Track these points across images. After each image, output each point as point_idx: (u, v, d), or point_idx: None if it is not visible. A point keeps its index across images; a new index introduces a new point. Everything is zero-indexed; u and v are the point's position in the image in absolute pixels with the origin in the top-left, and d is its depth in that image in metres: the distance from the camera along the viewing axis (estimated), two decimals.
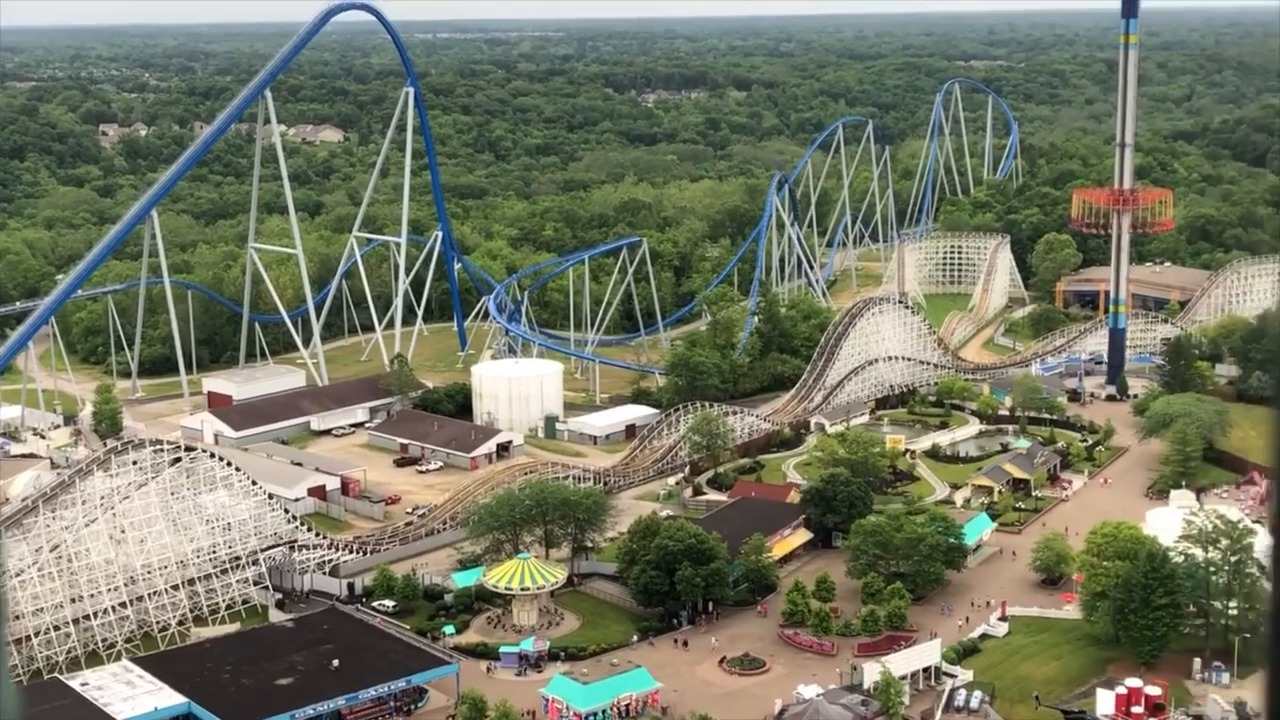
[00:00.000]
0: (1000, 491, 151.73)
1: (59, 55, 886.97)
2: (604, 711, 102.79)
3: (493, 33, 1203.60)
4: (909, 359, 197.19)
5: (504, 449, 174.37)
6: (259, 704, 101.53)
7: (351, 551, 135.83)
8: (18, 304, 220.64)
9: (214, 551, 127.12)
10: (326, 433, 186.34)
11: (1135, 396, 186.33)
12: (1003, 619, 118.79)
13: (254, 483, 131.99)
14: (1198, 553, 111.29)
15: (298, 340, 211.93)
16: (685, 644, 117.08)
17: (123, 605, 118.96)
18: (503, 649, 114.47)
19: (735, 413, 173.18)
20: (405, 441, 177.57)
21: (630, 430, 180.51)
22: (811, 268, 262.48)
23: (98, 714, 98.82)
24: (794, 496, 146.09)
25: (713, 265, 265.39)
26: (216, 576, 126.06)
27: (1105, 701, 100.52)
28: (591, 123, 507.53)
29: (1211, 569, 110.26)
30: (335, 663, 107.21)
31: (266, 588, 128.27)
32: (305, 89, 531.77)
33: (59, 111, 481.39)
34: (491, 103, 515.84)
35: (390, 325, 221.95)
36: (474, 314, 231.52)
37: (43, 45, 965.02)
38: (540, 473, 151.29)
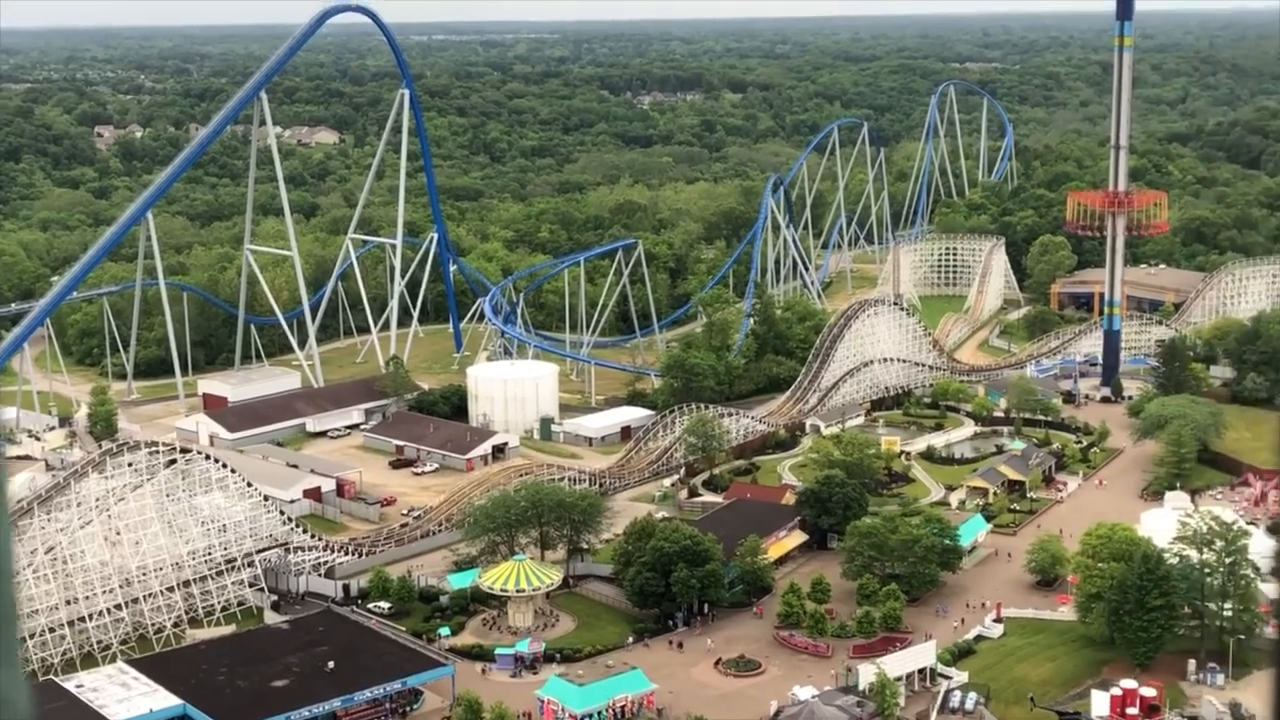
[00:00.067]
0: (995, 493, 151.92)
1: (54, 57, 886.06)
2: (599, 713, 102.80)
3: (488, 35, 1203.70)
4: (904, 361, 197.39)
5: (499, 451, 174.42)
6: (254, 706, 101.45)
7: (347, 553, 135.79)
8: (13, 306, 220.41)
9: (209, 553, 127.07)
10: (322, 434, 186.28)
11: (1130, 398, 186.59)
12: (998, 620, 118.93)
13: (249, 484, 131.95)
14: (1192, 554, 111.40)
15: (293, 342, 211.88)
16: (680, 645, 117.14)
17: (118, 607, 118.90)
18: (498, 650, 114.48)
19: (730, 414, 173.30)
20: (401, 443, 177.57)
21: (626, 432, 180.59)
22: (807, 270, 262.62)
23: (93, 716, 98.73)
24: (789, 498, 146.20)
25: (708, 267, 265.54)
26: (212, 578, 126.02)
27: (1100, 703, 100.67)
28: (587, 124, 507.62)
29: (1206, 570, 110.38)
30: (330, 664, 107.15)
31: (262, 589, 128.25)
32: (301, 91, 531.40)
33: (54, 113, 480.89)
34: (487, 104, 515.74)
35: (386, 327, 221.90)
36: (469, 316, 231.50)
37: (38, 47, 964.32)
38: (536, 474, 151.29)
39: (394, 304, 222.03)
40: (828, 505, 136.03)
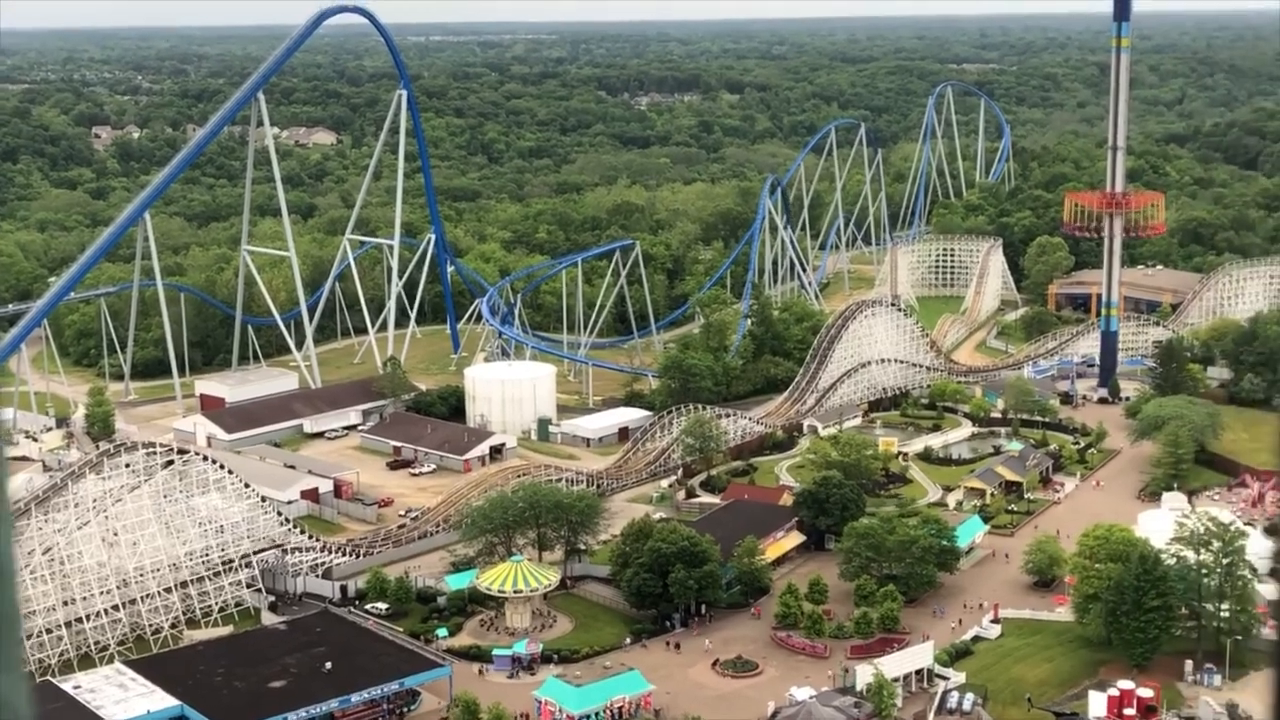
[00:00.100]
0: (993, 494, 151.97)
1: (51, 58, 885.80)
2: (597, 714, 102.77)
3: (486, 35, 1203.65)
4: (901, 361, 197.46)
5: (497, 451, 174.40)
6: (251, 707, 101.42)
7: (344, 554, 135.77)
8: (10, 306, 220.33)
9: (206, 554, 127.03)
10: (319, 435, 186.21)
11: (1127, 399, 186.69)
12: (995, 621, 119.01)
13: (246, 485, 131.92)
14: (1190, 555, 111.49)
15: (290, 343, 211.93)
16: (678, 646, 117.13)
17: (115, 608, 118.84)
18: (496, 651, 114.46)
19: (728, 415, 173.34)
20: (398, 444, 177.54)
21: (623, 433, 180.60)
22: (804, 270, 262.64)
23: (90, 717, 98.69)
24: (787, 499, 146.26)
25: (705, 268, 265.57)
26: (209, 579, 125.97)
27: (1097, 704, 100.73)
28: (584, 125, 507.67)
29: (1203, 571, 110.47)
30: (328, 665, 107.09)
31: (259, 590, 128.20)
32: (298, 91, 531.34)
33: (51, 114, 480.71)
34: (484, 105, 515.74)
35: (383, 328, 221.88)
36: (467, 316, 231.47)
37: (35, 48, 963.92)
38: (533, 475, 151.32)
39: (391, 305, 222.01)
40: (825, 506, 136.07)
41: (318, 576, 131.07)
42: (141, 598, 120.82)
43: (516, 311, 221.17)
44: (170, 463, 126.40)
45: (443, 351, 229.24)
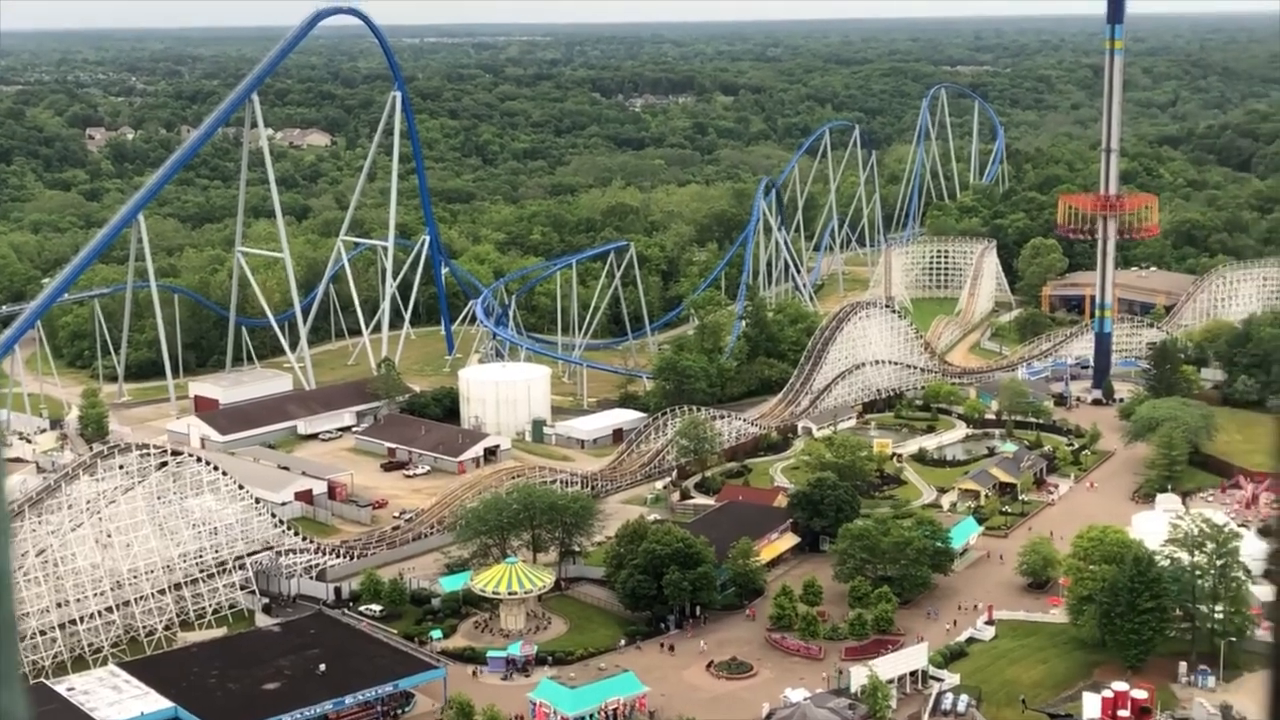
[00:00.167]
0: (987, 495, 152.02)
1: (45, 59, 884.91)
2: (591, 716, 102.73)
3: (480, 37, 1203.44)
4: (896, 363, 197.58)
5: (491, 453, 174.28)
6: (245, 709, 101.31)
7: (338, 556, 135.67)
8: (3, 308, 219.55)
9: (200, 556, 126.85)
10: (313, 437, 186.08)
11: (1121, 400, 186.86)
12: (989, 623, 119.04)
13: (240, 487, 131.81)
14: (1184, 556, 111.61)
15: (285, 344, 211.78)
16: (672, 648, 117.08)
17: (109, 610, 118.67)
18: (490, 653, 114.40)
19: (723, 417, 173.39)
20: (392, 445, 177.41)
21: (618, 434, 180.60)
22: (799, 272, 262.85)
23: (84, 719, 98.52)
24: (781, 500, 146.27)
25: (700, 269, 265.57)
26: (203, 581, 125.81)
27: (1092, 705, 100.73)
28: (579, 127, 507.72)
29: (1197, 573, 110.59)
30: (322, 667, 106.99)
31: (253, 592, 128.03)
32: (292, 93, 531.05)
33: (45, 115, 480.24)
34: (479, 107, 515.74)
35: (377, 329, 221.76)
36: (461, 318, 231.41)
37: (29, 49, 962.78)
38: (528, 477, 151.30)
39: (385, 306, 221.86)
40: (820, 507, 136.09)
41: (312, 578, 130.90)
42: (135, 599, 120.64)
43: (511, 313, 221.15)
44: (164, 464, 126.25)
45: (437, 353, 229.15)
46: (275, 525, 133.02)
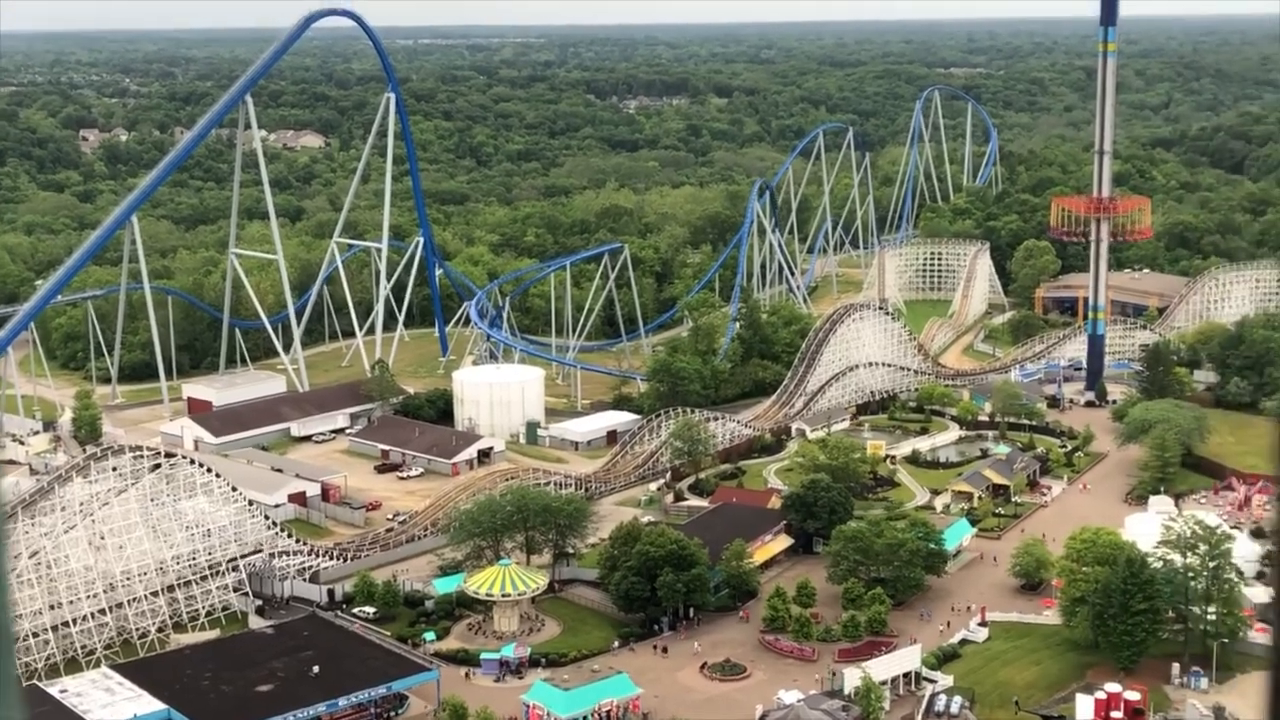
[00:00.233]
0: (980, 497, 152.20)
1: (39, 60, 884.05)
2: (585, 717, 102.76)
3: (474, 39, 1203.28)
4: (889, 365, 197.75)
5: (485, 455, 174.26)
6: (239, 711, 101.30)
7: (332, 558, 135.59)
8: None
9: (194, 558, 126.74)
10: (307, 439, 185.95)
11: (1114, 402, 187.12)
12: (982, 624, 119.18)
13: (234, 489, 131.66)
14: (1176, 558, 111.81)
15: (278, 346, 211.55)
16: (665, 650, 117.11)
17: (102, 612, 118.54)
18: (483, 655, 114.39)
19: (716, 418, 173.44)
20: (386, 447, 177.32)
21: (612, 436, 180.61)
22: (792, 274, 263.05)
23: None
24: (775, 502, 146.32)
25: (694, 271, 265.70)
26: (196, 583, 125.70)
27: (1085, 707, 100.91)
28: (573, 129, 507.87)
29: (1190, 574, 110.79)
30: (315, 669, 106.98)
31: (246, 594, 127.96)
32: (286, 94, 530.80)
33: (39, 117, 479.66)
34: (473, 108, 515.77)
35: (371, 331, 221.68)
36: (455, 320, 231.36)
37: (22, 50, 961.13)
38: (521, 479, 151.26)
39: (379, 308, 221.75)
40: (813, 509, 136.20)
41: (305, 580, 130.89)
42: (128, 601, 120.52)
43: (505, 315, 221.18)
44: (157, 466, 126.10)
45: (431, 355, 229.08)
46: (268, 527, 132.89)
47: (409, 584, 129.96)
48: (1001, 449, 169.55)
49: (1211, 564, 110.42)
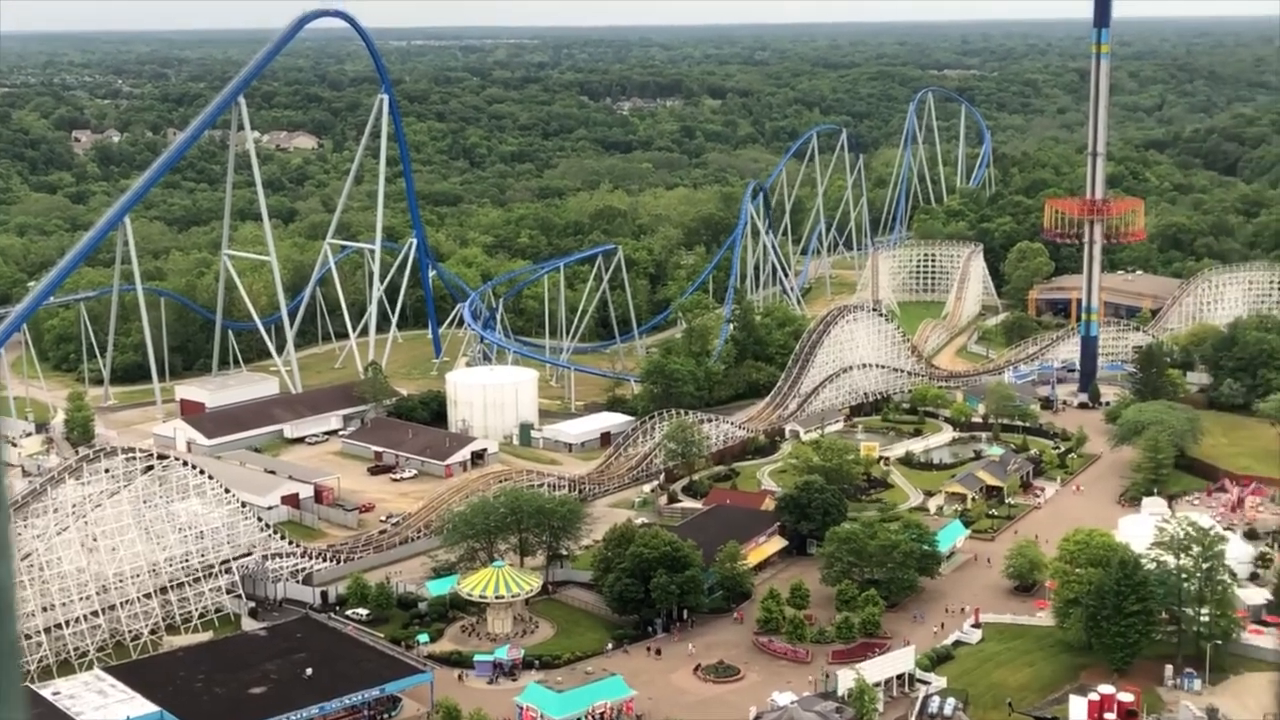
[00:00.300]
0: (974, 498, 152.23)
1: (31, 61, 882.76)
2: (579, 719, 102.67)
3: (467, 40, 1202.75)
4: (883, 366, 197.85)
5: (479, 456, 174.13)
6: (232, 713, 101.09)
7: (325, 560, 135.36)
8: None
9: (186, 560, 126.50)
10: (300, 440, 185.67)
11: (1107, 404, 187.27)
12: (976, 626, 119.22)
13: (227, 491, 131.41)
14: (1170, 560, 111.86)
15: (271, 348, 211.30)
16: (659, 652, 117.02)
17: (95, 614, 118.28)
18: (477, 657, 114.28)
19: (710, 420, 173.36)
20: (379, 449, 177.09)
21: (605, 438, 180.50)
22: (786, 275, 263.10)
23: None
24: (769, 504, 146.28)
25: (688, 273, 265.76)
26: (189, 585, 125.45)
27: (1078, 708, 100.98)
28: (567, 130, 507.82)
29: (1183, 576, 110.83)
30: (308, 671, 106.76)
31: (239, 596, 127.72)
32: (279, 96, 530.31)
33: (31, 118, 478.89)
34: (466, 110, 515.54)
35: (364, 332, 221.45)
36: (449, 321, 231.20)
37: (14, 51, 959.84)
38: (515, 480, 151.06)
39: (373, 309, 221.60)
40: (807, 511, 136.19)
41: (298, 582, 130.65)
42: (121, 603, 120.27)
43: (498, 316, 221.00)
44: (150, 468, 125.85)
45: (424, 356, 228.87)
46: (261, 529, 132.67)
47: (402, 586, 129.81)
48: (995, 450, 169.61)
49: (1205, 565, 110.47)
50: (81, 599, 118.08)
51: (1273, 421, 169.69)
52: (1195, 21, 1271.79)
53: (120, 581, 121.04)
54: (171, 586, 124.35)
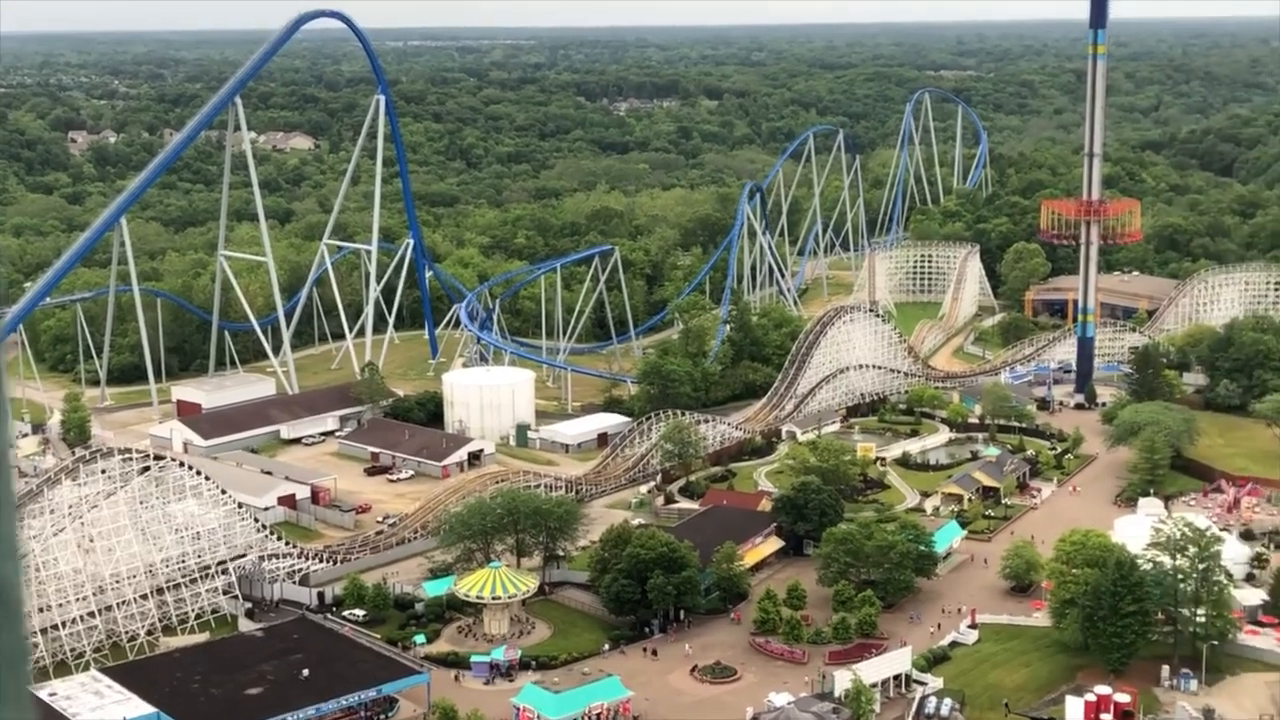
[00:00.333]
0: (970, 499, 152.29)
1: (27, 62, 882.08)
2: None
3: (464, 40, 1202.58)
4: (880, 367, 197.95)
5: (475, 457, 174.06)
6: (228, 714, 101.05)
7: (322, 560, 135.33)
8: None
9: (183, 561, 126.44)
10: (296, 441, 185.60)
11: (1103, 405, 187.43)
12: (973, 626, 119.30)
13: (223, 491, 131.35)
14: (1166, 560, 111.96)
15: (268, 348, 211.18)
16: (655, 653, 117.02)
17: (91, 615, 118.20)
18: (474, 658, 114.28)
19: (707, 421, 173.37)
20: (376, 450, 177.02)
21: (602, 438, 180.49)
22: (783, 276, 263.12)
23: None
24: (765, 505, 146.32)
25: (684, 274, 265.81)
26: (186, 586, 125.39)
27: (1074, 709, 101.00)
28: (563, 131, 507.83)
29: (1179, 576, 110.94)
30: (305, 672, 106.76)
31: (236, 597, 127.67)
32: (275, 96, 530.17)
33: (28, 118, 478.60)
34: (463, 110, 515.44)
35: (361, 333, 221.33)
36: (445, 322, 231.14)
37: (11, 51, 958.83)
38: (512, 481, 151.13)
39: (369, 310, 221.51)
40: (804, 511, 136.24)
41: (295, 583, 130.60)
42: (117, 604, 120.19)
43: (495, 317, 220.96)
44: (146, 469, 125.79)
45: (421, 357, 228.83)
46: (258, 530, 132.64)
47: (399, 587, 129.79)
48: (991, 451, 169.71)
49: (1201, 566, 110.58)
50: (78, 600, 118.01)
51: (1269, 422, 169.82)
52: (1191, 23, 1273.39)
53: (117, 582, 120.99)
54: (168, 587, 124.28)
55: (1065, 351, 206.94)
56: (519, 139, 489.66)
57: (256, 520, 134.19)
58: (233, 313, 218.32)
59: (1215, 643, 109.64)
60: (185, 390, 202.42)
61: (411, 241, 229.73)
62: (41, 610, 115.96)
